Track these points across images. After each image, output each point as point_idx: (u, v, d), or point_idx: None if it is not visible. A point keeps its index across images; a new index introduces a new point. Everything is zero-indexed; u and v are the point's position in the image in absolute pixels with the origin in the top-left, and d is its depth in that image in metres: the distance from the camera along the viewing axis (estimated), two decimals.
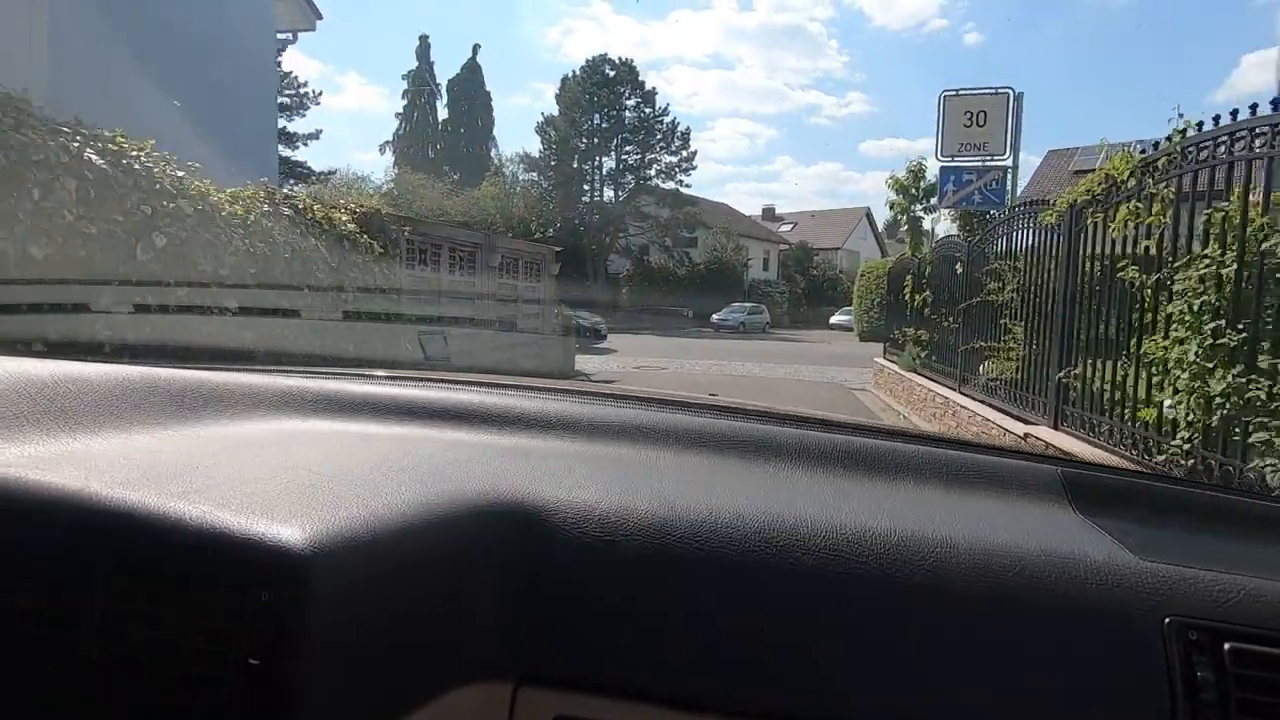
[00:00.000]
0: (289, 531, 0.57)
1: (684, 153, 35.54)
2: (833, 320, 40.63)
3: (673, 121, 35.21)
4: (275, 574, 0.55)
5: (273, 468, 0.72)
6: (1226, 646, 0.55)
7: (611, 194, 35.72)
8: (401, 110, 46.39)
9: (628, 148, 35.11)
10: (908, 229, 11.72)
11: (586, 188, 35.32)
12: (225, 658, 0.55)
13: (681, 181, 35.64)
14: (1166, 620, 0.57)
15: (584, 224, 34.73)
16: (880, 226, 61.49)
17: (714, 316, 32.66)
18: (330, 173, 34.48)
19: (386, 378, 1.06)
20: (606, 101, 34.24)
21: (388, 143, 45.69)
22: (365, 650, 0.58)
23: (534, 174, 35.10)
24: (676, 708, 0.61)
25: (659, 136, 35.00)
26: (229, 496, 0.62)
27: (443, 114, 46.68)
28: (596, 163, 35.18)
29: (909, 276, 10.34)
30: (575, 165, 34.79)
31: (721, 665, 0.61)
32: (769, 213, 60.25)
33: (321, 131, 37.65)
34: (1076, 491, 0.76)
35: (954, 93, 11.46)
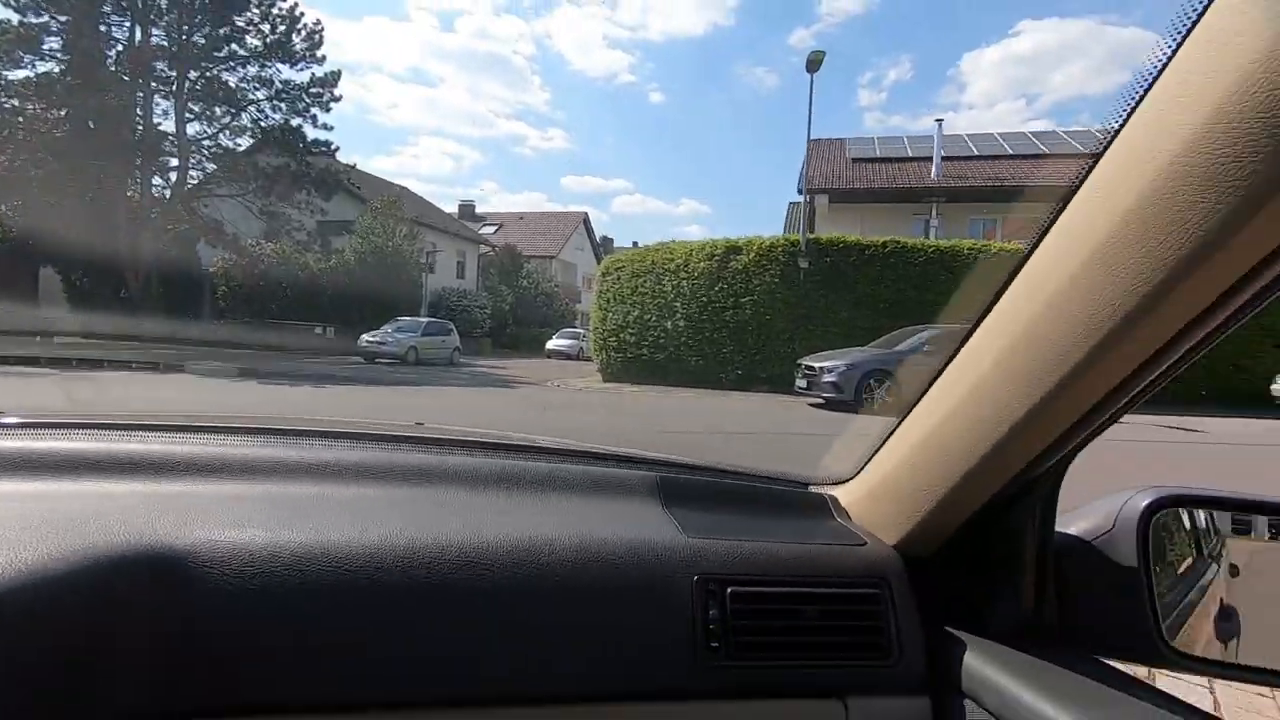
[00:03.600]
0: None
1: (316, 68, 21.18)
2: (550, 345, 30.74)
3: (294, 7, 20.54)
4: None
5: None
6: (728, 590, 0.81)
7: (173, 124, 20.06)
8: None
9: (209, 45, 20.06)
10: None
11: (138, 112, 19.17)
12: None
13: (315, 119, 21.44)
14: (695, 577, 0.81)
15: (116, 173, 18.93)
16: (598, 235, 54.12)
17: (363, 338, 19.80)
18: None
19: (13, 425, 0.93)
20: None
21: None
22: None
23: None
24: None
25: (263, 21, 20.04)
26: None
27: None
28: (155, 72, 19.54)
29: None
30: (101, 60, 18.71)
31: (380, 684, 0.69)
32: (467, 210, 48.35)
33: None
34: (666, 491, 0.98)
35: None
